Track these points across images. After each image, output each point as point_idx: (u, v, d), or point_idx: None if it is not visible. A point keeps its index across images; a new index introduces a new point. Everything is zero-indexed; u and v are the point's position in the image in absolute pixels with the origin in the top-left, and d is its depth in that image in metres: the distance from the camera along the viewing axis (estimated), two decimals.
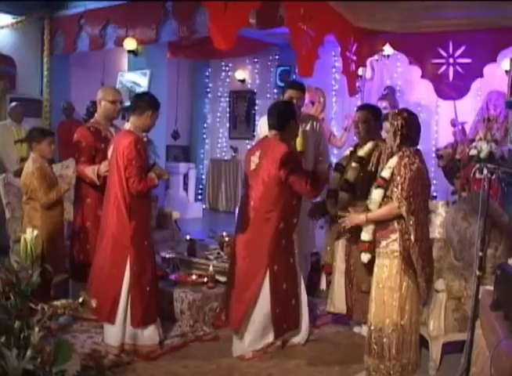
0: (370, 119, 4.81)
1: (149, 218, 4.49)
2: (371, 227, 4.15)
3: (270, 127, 4.52)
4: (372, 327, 4.04)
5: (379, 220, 4.04)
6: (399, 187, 3.86)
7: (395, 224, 3.94)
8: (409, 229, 3.87)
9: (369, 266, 4.24)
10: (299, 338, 4.63)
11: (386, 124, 4.08)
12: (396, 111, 4.13)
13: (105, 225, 4.43)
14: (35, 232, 3.05)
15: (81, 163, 5.03)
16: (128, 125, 4.48)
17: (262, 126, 5.37)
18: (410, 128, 3.97)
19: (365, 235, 4.20)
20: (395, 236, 3.94)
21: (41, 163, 4.96)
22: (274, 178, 4.30)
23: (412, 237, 3.88)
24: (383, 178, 4.01)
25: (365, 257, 4.26)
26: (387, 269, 3.98)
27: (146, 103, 4.45)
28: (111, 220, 4.34)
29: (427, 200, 4.06)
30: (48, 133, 5.14)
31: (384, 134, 4.10)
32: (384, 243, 4.01)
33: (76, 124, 8.84)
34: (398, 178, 3.88)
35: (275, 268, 4.34)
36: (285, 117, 4.46)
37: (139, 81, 10.67)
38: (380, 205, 4.03)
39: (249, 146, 6.33)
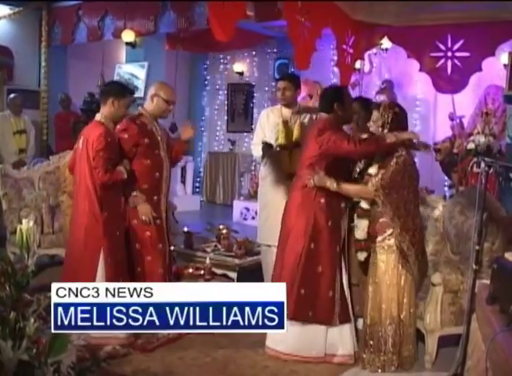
0: (360, 111, 4.75)
1: (121, 209, 4.45)
2: (365, 225, 4.14)
3: None
4: (368, 322, 4.04)
5: (348, 194, 4.07)
6: (379, 176, 3.92)
7: (389, 218, 3.95)
8: (390, 215, 3.90)
9: (364, 264, 4.23)
10: None
11: (374, 114, 4.07)
12: (388, 104, 4.18)
13: (76, 215, 4.38)
14: (31, 223, 3.04)
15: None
16: (98, 116, 4.39)
17: (264, 118, 5.36)
18: (399, 122, 4.02)
19: (360, 233, 4.17)
20: (390, 230, 3.95)
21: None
22: None
23: (399, 228, 3.90)
24: (369, 175, 4.03)
25: (361, 256, 4.22)
26: (383, 264, 3.99)
27: (107, 90, 4.38)
28: (82, 211, 4.29)
29: (416, 191, 4.09)
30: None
31: (370, 124, 4.10)
32: (380, 238, 4.02)
33: (73, 115, 8.87)
34: (382, 169, 3.92)
35: None
36: None
37: (137, 73, 10.66)
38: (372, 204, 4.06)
39: (247, 139, 6.29)
